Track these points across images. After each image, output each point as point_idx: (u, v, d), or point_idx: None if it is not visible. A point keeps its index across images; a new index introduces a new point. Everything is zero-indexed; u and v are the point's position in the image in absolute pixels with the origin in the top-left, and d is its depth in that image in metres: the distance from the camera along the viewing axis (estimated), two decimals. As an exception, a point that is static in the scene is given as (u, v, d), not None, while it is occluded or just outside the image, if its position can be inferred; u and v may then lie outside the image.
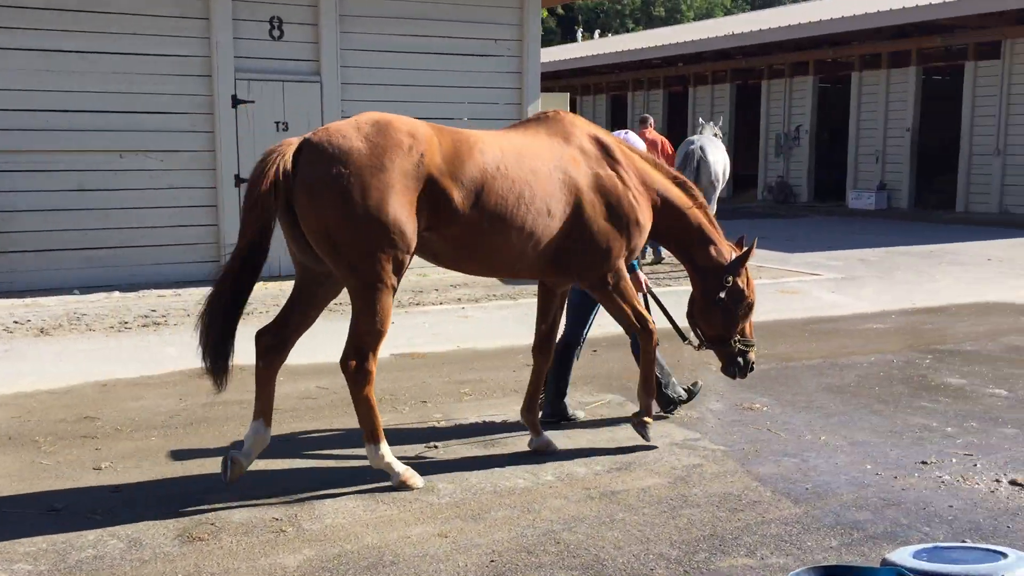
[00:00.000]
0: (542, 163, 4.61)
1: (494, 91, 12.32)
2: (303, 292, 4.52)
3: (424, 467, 4.68)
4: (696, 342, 5.34)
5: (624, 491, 4.48)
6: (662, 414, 5.57)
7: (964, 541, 3.83)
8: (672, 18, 58.17)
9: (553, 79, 33.45)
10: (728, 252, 5.15)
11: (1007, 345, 7.83)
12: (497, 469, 4.77)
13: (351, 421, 5.03)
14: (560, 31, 63.05)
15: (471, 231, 4.41)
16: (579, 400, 6.05)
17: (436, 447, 5.13)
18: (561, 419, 5.57)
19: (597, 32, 52.94)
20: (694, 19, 52.07)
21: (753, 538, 3.93)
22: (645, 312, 5.02)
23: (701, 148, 12.73)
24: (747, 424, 5.60)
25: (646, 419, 4.98)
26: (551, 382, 5.53)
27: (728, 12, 53.82)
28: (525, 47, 12.33)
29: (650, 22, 57.65)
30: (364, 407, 4.33)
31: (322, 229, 4.14)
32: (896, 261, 13.20)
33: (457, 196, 4.31)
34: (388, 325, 4.32)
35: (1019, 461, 4.90)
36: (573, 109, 33.46)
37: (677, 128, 28.39)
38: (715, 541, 3.90)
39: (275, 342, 4.45)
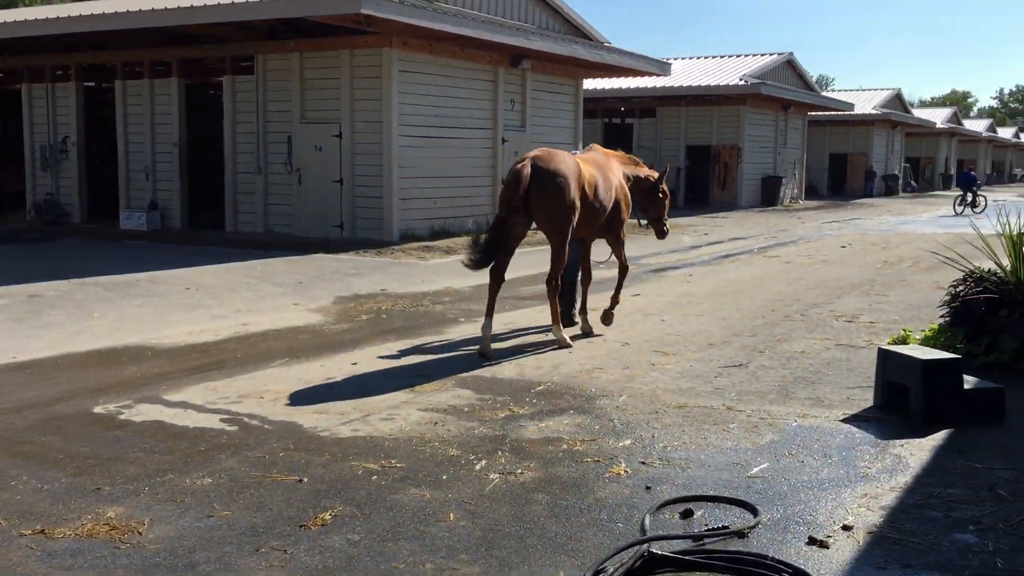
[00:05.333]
0: (607, 172, 8.76)
1: None
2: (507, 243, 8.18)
3: None
4: (660, 228, 9.95)
5: None
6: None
7: None
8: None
9: None
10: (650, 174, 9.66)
11: (49, 416, 5.93)
12: None
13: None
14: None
15: (587, 210, 8.31)
16: None
17: None
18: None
19: None
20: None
21: None
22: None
23: None
24: None
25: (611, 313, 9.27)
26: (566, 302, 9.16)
27: None
28: None
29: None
30: (553, 305, 8.27)
31: (546, 210, 7.95)
32: (74, 296, 10.98)
33: (587, 193, 8.26)
34: (565, 263, 8.24)
35: None
36: None
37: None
38: None
39: (498, 273, 8.15)
